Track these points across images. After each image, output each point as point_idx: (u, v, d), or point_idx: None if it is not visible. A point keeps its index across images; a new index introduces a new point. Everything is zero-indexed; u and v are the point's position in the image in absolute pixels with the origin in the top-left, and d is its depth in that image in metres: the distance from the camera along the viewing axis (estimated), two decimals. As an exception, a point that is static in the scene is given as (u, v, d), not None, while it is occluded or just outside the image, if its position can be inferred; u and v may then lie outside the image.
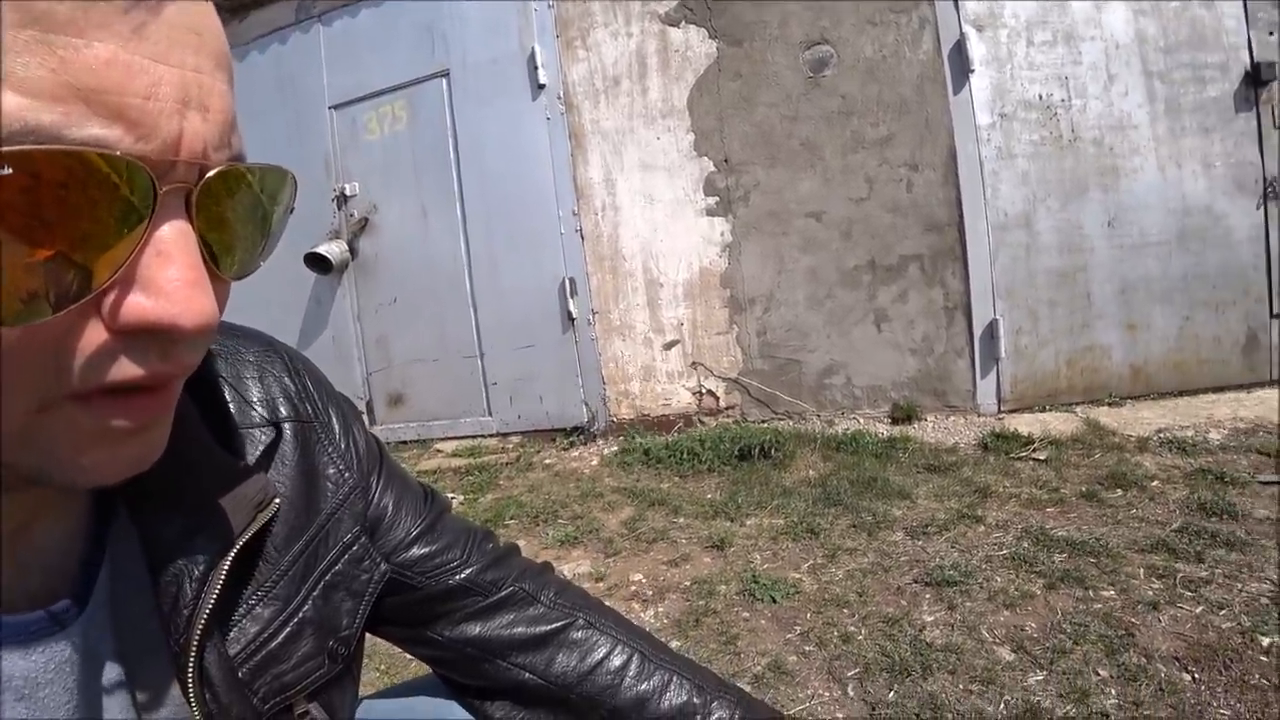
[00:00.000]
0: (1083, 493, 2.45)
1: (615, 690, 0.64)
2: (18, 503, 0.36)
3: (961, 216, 3.20)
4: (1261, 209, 3.12)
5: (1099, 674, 1.55)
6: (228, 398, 0.51)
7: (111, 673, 0.40)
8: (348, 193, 3.92)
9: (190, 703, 0.41)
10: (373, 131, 3.87)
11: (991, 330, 3.21)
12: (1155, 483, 2.46)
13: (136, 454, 0.35)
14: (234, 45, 4.13)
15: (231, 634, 0.46)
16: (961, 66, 3.15)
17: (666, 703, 0.65)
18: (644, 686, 0.65)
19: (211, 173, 0.32)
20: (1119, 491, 2.44)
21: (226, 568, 0.43)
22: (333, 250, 3.80)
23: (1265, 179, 3.11)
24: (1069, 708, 1.46)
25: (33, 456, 0.31)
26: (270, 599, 0.48)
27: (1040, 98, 3.17)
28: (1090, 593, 1.85)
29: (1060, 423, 3.06)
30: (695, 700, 0.65)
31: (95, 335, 0.30)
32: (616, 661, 0.66)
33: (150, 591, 0.42)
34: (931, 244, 3.27)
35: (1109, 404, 3.22)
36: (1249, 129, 3.10)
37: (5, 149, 0.25)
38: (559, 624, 0.66)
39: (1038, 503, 2.43)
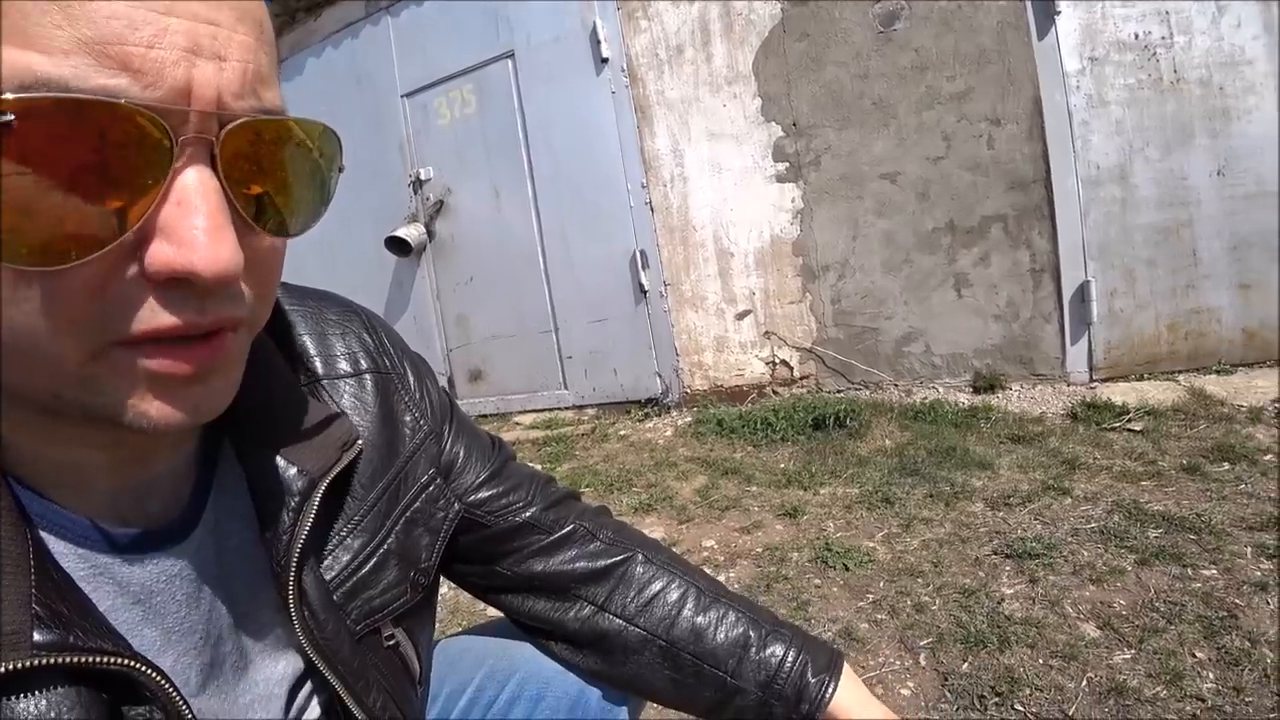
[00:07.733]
0: (1183, 465, 2.30)
1: (672, 622, 0.67)
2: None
3: (1049, 172, 3.01)
4: (1402, 147, 2.79)
5: (1195, 655, 1.47)
6: (313, 353, 0.57)
7: (218, 587, 0.46)
8: (423, 177, 4.05)
9: (291, 617, 0.47)
10: (444, 116, 3.97)
11: (1083, 293, 3.03)
12: (1269, 456, 2.28)
13: (198, 401, 0.37)
14: (310, 42, 4.32)
15: (326, 562, 0.52)
16: (1045, 9, 2.93)
17: (723, 635, 0.66)
18: (700, 619, 0.67)
19: (235, 123, 0.33)
20: (1225, 465, 2.28)
21: (319, 499, 0.48)
22: (411, 233, 3.94)
23: None
24: (1159, 689, 1.39)
25: (98, 398, 0.34)
26: (359, 531, 0.54)
27: (1136, 36, 2.91)
28: (1188, 571, 1.75)
29: (1160, 391, 2.87)
30: (751, 634, 0.67)
31: (134, 284, 0.32)
32: (673, 595, 0.68)
33: (254, 518, 0.48)
34: (1016, 202, 3.09)
35: (1217, 371, 2.98)
36: (1389, 55, 2.77)
37: (13, 97, 0.27)
38: (617, 559, 0.69)
39: (1131, 475, 2.30)
